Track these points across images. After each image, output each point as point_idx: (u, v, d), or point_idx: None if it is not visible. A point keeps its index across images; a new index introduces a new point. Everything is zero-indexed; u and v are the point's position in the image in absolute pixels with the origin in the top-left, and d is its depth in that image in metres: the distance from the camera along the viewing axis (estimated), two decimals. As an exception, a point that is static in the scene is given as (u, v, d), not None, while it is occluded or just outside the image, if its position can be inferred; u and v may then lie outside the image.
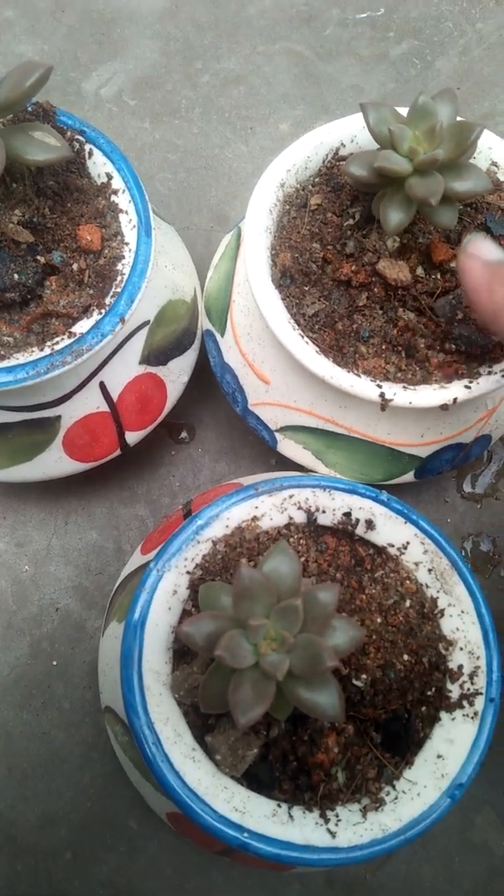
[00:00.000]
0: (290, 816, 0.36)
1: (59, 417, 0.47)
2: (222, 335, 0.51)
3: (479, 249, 0.38)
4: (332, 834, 0.36)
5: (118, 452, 0.52)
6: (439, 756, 0.37)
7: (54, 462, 0.50)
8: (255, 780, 0.38)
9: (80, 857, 0.52)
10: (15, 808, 0.53)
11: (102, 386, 0.47)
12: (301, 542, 0.41)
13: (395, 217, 0.39)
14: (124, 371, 0.48)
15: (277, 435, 0.50)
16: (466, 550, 0.58)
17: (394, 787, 0.37)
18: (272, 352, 0.46)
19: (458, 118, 0.40)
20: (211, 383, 0.60)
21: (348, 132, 0.46)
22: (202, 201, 0.66)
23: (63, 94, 0.69)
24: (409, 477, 0.49)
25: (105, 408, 0.49)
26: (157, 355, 0.50)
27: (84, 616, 0.57)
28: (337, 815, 0.36)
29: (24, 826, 0.52)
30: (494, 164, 0.46)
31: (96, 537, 0.58)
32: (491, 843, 0.52)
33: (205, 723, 0.38)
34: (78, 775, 0.53)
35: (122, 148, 0.66)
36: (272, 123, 0.68)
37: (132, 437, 0.52)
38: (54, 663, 0.56)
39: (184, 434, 0.61)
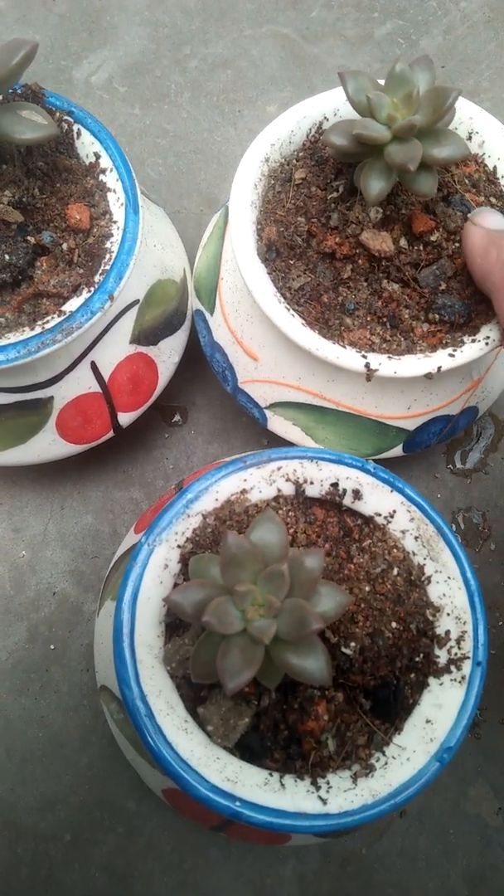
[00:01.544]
0: (282, 785, 0.37)
1: (51, 398, 0.48)
2: (211, 314, 0.51)
3: (485, 219, 0.42)
4: (324, 801, 0.36)
5: (111, 434, 0.53)
6: (428, 721, 0.37)
7: (48, 444, 0.51)
8: (248, 749, 0.38)
9: (79, 840, 0.52)
10: (14, 792, 0.53)
11: (94, 366, 0.47)
12: (290, 514, 0.41)
13: (375, 186, 0.39)
14: (115, 351, 0.48)
15: (267, 412, 0.50)
16: (458, 524, 0.58)
17: (383, 752, 0.37)
18: (260, 327, 0.46)
19: (436, 84, 0.40)
20: (203, 366, 0.60)
21: (331, 106, 0.46)
22: (192, 185, 0.66)
23: (55, 82, 0.70)
24: (397, 451, 0.50)
25: (97, 388, 0.49)
26: (148, 335, 0.50)
27: (81, 599, 0.57)
28: (328, 783, 0.37)
29: (23, 809, 0.52)
30: (474, 132, 0.46)
31: (92, 521, 0.59)
32: (485, 815, 0.52)
33: (197, 695, 0.38)
34: (76, 758, 0.54)
35: (112, 134, 0.67)
36: (260, 106, 0.68)
37: (125, 419, 0.52)
38: (52, 647, 0.56)
39: (177, 417, 0.61)
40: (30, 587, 0.57)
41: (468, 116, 0.46)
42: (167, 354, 0.52)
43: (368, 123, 0.38)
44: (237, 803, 0.36)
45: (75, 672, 0.55)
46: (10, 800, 0.53)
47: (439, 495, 0.59)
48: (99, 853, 0.52)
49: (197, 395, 0.61)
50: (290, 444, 0.51)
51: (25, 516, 0.58)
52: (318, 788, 0.37)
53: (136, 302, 0.48)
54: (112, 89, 0.69)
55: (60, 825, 0.52)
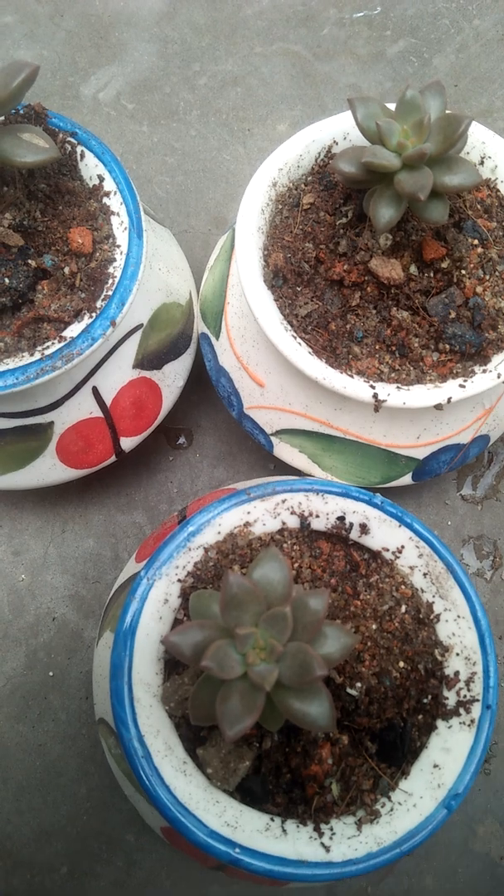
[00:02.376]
0: (284, 830, 0.35)
1: (51, 423, 0.47)
2: (217, 338, 0.50)
3: None
4: (326, 848, 0.35)
5: (113, 459, 0.52)
6: (435, 766, 0.36)
7: (48, 469, 0.50)
8: (249, 793, 0.37)
9: (76, 872, 0.51)
10: (10, 822, 0.52)
11: (95, 391, 0.47)
12: (295, 547, 0.40)
13: (384, 214, 0.38)
14: (118, 376, 0.47)
15: (273, 439, 0.49)
16: (470, 551, 0.57)
17: (389, 798, 0.36)
18: (266, 354, 0.45)
19: (448, 111, 0.39)
20: (209, 388, 0.59)
21: (340, 129, 0.45)
22: (200, 204, 0.65)
23: (62, 98, 0.69)
24: (406, 479, 0.48)
25: (98, 413, 0.48)
26: (152, 359, 0.49)
27: (81, 625, 0.56)
28: (331, 829, 0.35)
29: (19, 840, 0.51)
30: (486, 157, 0.45)
31: (93, 545, 0.58)
32: (494, 854, 0.51)
33: (197, 735, 0.37)
34: (74, 788, 0.52)
35: (119, 152, 0.67)
36: (270, 124, 0.67)
37: (127, 443, 0.51)
38: (51, 674, 0.55)
39: (182, 440, 0.60)
40: (29, 612, 0.56)
41: (480, 141, 0.45)
42: (171, 379, 0.51)
43: (378, 151, 0.37)
44: (237, 850, 0.34)
45: (74, 700, 0.54)
46: (7, 830, 0.52)
47: (450, 522, 0.58)
48: (96, 886, 0.50)
49: (203, 418, 0.60)
50: (296, 470, 0.50)
51: (25, 539, 0.57)
52: (321, 835, 0.35)
53: (140, 326, 0.47)
54: (120, 106, 0.69)
55: (57, 857, 0.51)
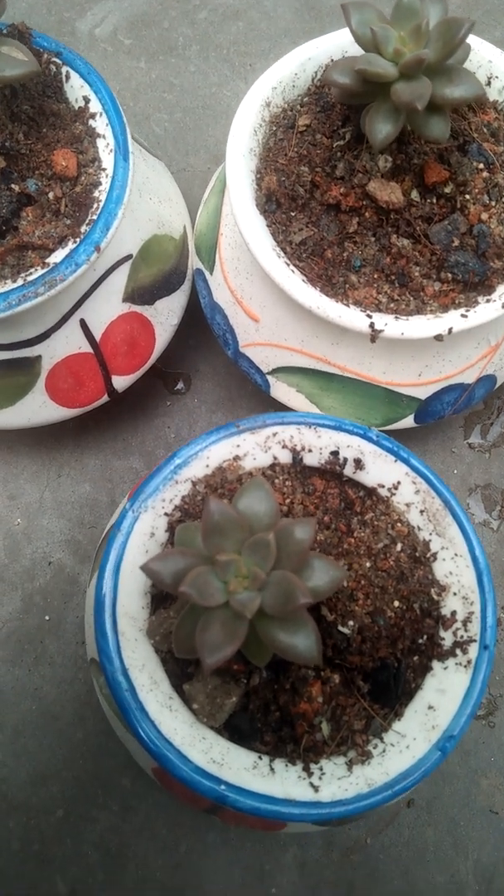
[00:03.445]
0: (272, 769, 0.34)
1: (39, 358, 0.45)
2: (211, 273, 0.48)
3: None
4: (315, 788, 0.34)
5: (106, 398, 0.50)
6: (430, 707, 0.34)
7: (39, 407, 0.48)
8: (236, 730, 0.36)
9: (72, 815, 0.50)
10: (6, 765, 0.51)
11: (83, 324, 0.45)
12: (287, 483, 0.39)
13: (381, 129, 0.36)
14: (106, 309, 0.46)
15: (270, 378, 0.48)
16: (477, 501, 0.55)
17: (382, 739, 0.35)
18: (260, 286, 0.43)
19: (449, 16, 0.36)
20: (207, 333, 0.57)
21: (338, 46, 0.43)
22: (199, 142, 0.63)
23: (57, 34, 0.67)
24: (409, 421, 0.47)
25: (88, 348, 0.46)
26: (143, 294, 0.47)
27: (77, 570, 0.55)
28: (321, 769, 0.34)
29: (15, 783, 0.51)
30: (494, 77, 0.42)
31: (89, 490, 0.57)
32: (498, 808, 0.50)
33: (184, 671, 0.36)
34: (70, 732, 0.52)
35: (116, 89, 0.64)
36: (272, 59, 0.63)
37: (120, 383, 0.50)
38: (47, 618, 0.54)
39: (180, 385, 0.59)
40: (25, 556, 0.55)
41: (487, 59, 0.43)
42: (165, 316, 0.49)
43: (373, 59, 0.35)
44: (222, 786, 0.33)
45: (70, 644, 0.53)
46: (3, 773, 0.51)
47: (456, 471, 0.56)
48: (92, 830, 0.50)
49: (201, 363, 0.59)
50: (293, 411, 0.49)
51: (21, 483, 0.56)
52: (310, 774, 0.34)
53: (129, 257, 0.45)
54: (117, 42, 0.66)
55: (53, 800, 0.51)
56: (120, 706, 0.35)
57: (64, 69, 0.44)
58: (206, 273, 0.49)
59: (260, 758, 0.35)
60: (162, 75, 0.65)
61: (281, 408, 0.50)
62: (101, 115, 0.43)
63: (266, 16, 0.66)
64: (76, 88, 0.43)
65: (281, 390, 0.48)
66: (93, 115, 0.43)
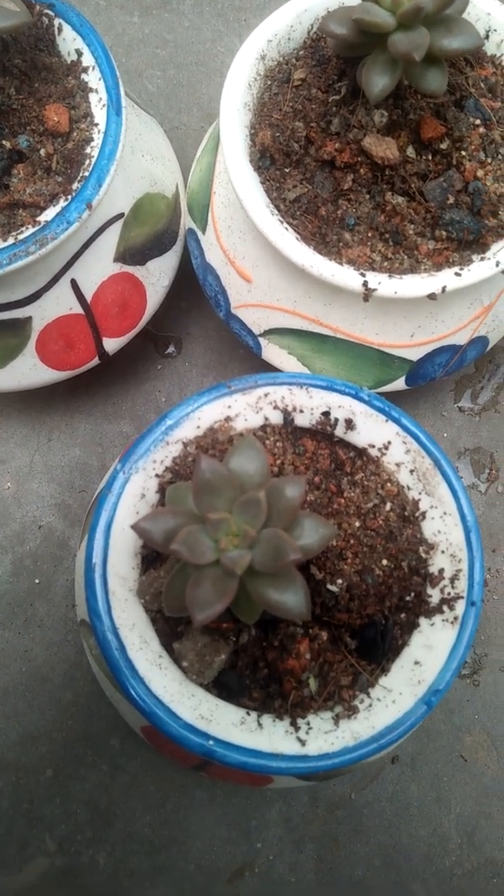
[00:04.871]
0: (259, 724, 0.35)
1: (29, 319, 0.45)
2: (204, 232, 0.47)
3: None
4: (302, 742, 0.34)
5: (96, 361, 0.50)
6: (417, 663, 0.35)
7: (29, 369, 0.48)
8: (225, 687, 0.36)
9: (61, 775, 0.51)
10: (-4, 725, 0.52)
11: (74, 284, 0.45)
12: (278, 444, 0.39)
13: (378, 81, 0.35)
14: (97, 269, 0.45)
15: (261, 340, 0.47)
16: (466, 464, 0.55)
17: (368, 694, 0.35)
18: (252, 245, 0.43)
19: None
20: (199, 295, 0.57)
21: (335, -3, 0.42)
22: (192, 99, 0.62)
23: (47, -11, 0.65)
24: (400, 384, 0.47)
25: (79, 309, 0.46)
26: (134, 254, 0.47)
27: (67, 534, 0.55)
28: (308, 724, 0.35)
29: (4, 743, 0.51)
30: (492, 30, 0.41)
31: (80, 454, 0.56)
32: (481, 764, 0.51)
33: (174, 630, 0.37)
34: (60, 693, 0.52)
35: (109, 44, 0.63)
36: (268, 14, 0.63)
37: (111, 345, 0.50)
38: (37, 581, 0.54)
39: (171, 348, 0.58)
40: (15, 520, 0.55)
41: (486, 12, 0.42)
42: (156, 277, 0.49)
43: (370, 8, 0.34)
44: (210, 741, 0.34)
45: (60, 607, 0.53)
46: (-7, 733, 0.52)
47: (445, 434, 0.56)
48: (81, 789, 0.51)
49: (192, 326, 0.58)
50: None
51: (11, 448, 0.56)
52: (297, 729, 0.35)
53: (121, 216, 0.44)
54: (109, -5, 0.65)
55: (42, 760, 0.51)
56: (110, 665, 0.35)
57: (56, 21, 0.43)
58: (199, 233, 0.48)
59: (248, 713, 0.35)
60: (155, 30, 0.63)
61: (272, 370, 0.50)
62: (93, 68, 0.42)
63: (261, -30, 0.65)
64: (69, 41, 0.42)
65: (273, 352, 0.47)
66: (85, 69, 0.42)
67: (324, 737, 0.34)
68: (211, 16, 0.64)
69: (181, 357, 0.58)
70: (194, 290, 0.56)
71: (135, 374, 0.57)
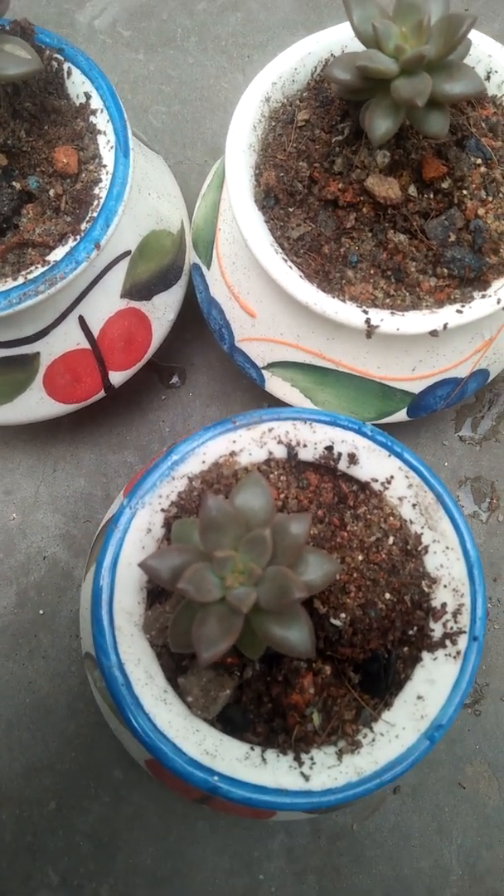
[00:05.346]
0: (264, 759, 0.35)
1: (37, 354, 0.46)
2: (208, 268, 0.48)
3: None
4: (306, 777, 0.34)
5: (102, 394, 0.51)
6: (419, 697, 0.35)
7: (36, 403, 0.49)
8: (229, 722, 0.36)
9: (64, 807, 0.51)
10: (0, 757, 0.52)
11: (82, 320, 0.45)
12: (282, 478, 0.39)
13: (381, 125, 0.36)
14: (105, 305, 0.46)
15: (265, 373, 0.48)
16: (467, 493, 0.56)
17: (371, 729, 0.35)
18: (257, 281, 0.44)
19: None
20: (202, 326, 0.57)
21: (338, 41, 0.43)
22: (196, 134, 0.63)
23: (57, 26, 0.67)
24: (402, 415, 0.47)
25: (86, 344, 0.47)
26: (141, 289, 0.47)
27: (72, 564, 0.55)
28: (312, 758, 0.35)
29: (8, 775, 0.51)
30: (493, 71, 0.42)
31: (84, 484, 0.57)
32: (482, 794, 0.51)
33: (178, 665, 0.37)
34: (63, 725, 0.52)
35: (115, 81, 0.64)
36: (270, 51, 0.65)
37: (117, 378, 0.50)
38: (41, 612, 0.54)
39: (174, 378, 0.59)
40: (20, 551, 0.55)
41: (487, 54, 0.43)
42: (161, 311, 0.50)
43: (374, 55, 0.35)
44: (215, 777, 0.34)
45: (64, 638, 0.54)
46: (-4, 765, 0.52)
47: (447, 463, 0.57)
48: (84, 821, 0.51)
49: (196, 356, 0.59)
50: (287, 406, 0.49)
51: (17, 478, 0.57)
52: (300, 764, 0.35)
53: (128, 253, 0.45)
54: (115, 34, 0.66)
55: (46, 792, 0.51)
56: (116, 700, 0.35)
57: (66, 65, 0.44)
58: (203, 268, 0.49)
59: (252, 748, 0.35)
60: (160, 67, 0.65)
61: (275, 401, 0.50)
62: (101, 111, 0.43)
63: (264, 7, 0.66)
64: (77, 84, 0.43)
65: (276, 385, 0.48)
66: (94, 112, 0.43)
67: (327, 772, 0.34)
68: (214, 53, 0.65)
69: (185, 387, 0.59)
70: (198, 322, 0.57)
71: (139, 405, 0.58)
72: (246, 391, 0.58)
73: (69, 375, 0.48)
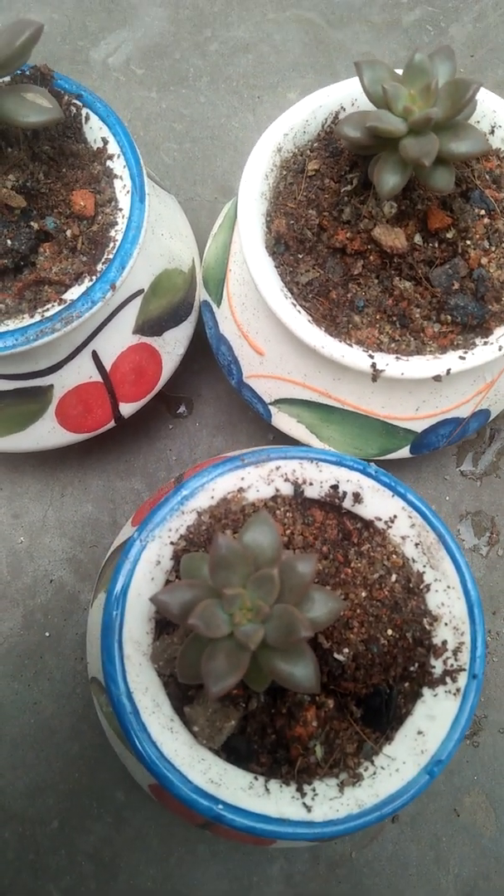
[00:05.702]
0: (267, 789, 0.36)
1: (51, 387, 0.47)
2: (218, 306, 0.50)
3: None
4: (308, 808, 0.35)
5: (112, 424, 0.52)
6: (420, 732, 0.36)
7: (48, 432, 0.50)
8: (234, 752, 0.37)
9: (66, 827, 0.52)
10: (3, 776, 0.53)
11: (95, 355, 0.47)
12: (288, 514, 0.40)
13: (389, 180, 0.38)
14: (118, 340, 0.47)
15: (272, 408, 0.49)
16: (467, 527, 0.57)
17: (372, 762, 0.36)
18: (266, 322, 0.45)
19: (458, 77, 0.38)
20: (210, 358, 0.59)
21: (348, 95, 0.44)
22: (207, 172, 0.65)
23: (71, 62, 0.69)
24: (404, 452, 0.49)
25: (98, 378, 0.48)
26: (152, 325, 0.49)
27: (78, 588, 0.56)
28: (314, 790, 0.36)
29: (11, 794, 0.52)
30: (497, 126, 0.44)
31: (92, 510, 0.58)
32: (479, 825, 0.52)
33: (185, 694, 0.38)
34: (67, 746, 0.53)
35: (127, 118, 0.66)
36: (280, 92, 0.67)
37: (126, 409, 0.52)
38: (47, 634, 0.55)
39: (182, 408, 0.60)
40: (27, 573, 0.56)
41: (491, 109, 0.45)
42: (172, 346, 0.51)
43: (383, 115, 0.37)
44: (220, 806, 0.35)
45: (69, 660, 0.55)
46: (0, 784, 0.53)
47: (448, 498, 0.58)
48: (86, 841, 0.52)
49: (203, 387, 0.60)
50: (294, 440, 0.50)
51: (25, 502, 0.58)
52: (303, 795, 0.36)
53: (141, 292, 0.47)
54: (129, 71, 0.68)
55: (49, 811, 0.52)
56: (123, 728, 0.36)
57: (84, 111, 0.45)
58: (213, 305, 0.50)
59: (256, 778, 0.36)
60: (172, 105, 0.67)
61: (281, 435, 0.52)
62: (118, 156, 0.44)
63: (275, 49, 0.68)
64: (95, 130, 0.45)
65: (282, 420, 0.50)
66: (111, 157, 0.45)
67: (329, 803, 0.35)
68: (226, 93, 0.67)
69: (192, 417, 0.60)
70: (206, 354, 0.59)
71: (147, 434, 0.59)
72: (252, 423, 0.59)
73: (81, 407, 0.49)
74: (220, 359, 0.51)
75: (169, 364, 0.52)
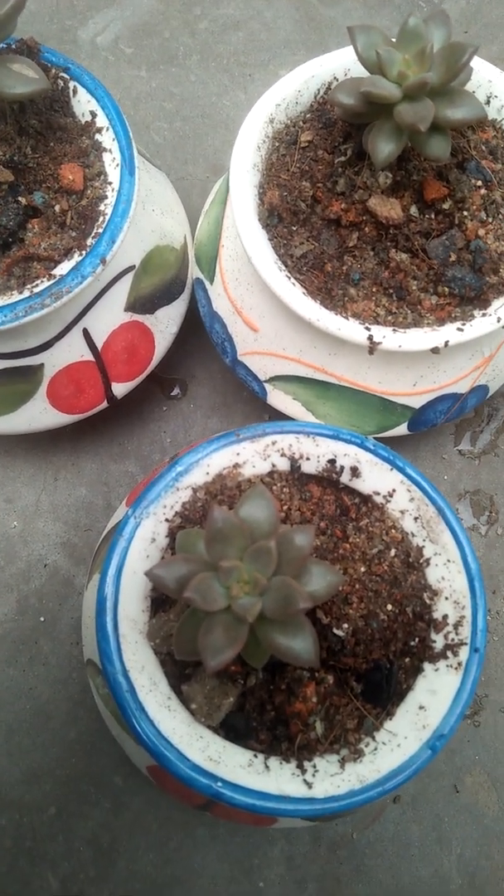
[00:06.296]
0: (266, 767, 0.35)
1: (42, 366, 0.46)
2: (211, 283, 0.49)
3: None
4: (309, 785, 0.35)
5: (105, 405, 0.51)
6: (421, 707, 0.36)
7: (39, 413, 0.49)
8: (232, 729, 0.37)
9: (64, 813, 0.51)
10: None
11: (86, 333, 0.46)
12: (284, 490, 0.40)
13: (384, 148, 0.37)
14: (109, 318, 0.46)
15: (267, 386, 0.49)
16: (466, 506, 0.57)
17: (374, 738, 0.36)
18: (260, 297, 0.44)
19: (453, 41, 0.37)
20: (204, 338, 0.58)
21: (341, 65, 0.44)
22: (198, 151, 0.64)
23: (59, 42, 0.68)
24: (402, 429, 0.48)
25: (89, 356, 0.47)
26: (144, 303, 0.48)
27: (72, 572, 0.56)
28: (314, 766, 0.35)
29: (8, 781, 0.52)
30: (493, 96, 0.43)
31: (86, 493, 0.57)
32: (481, 805, 0.51)
33: (182, 672, 0.37)
34: (64, 731, 0.53)
35: (117, 97, 0.65)
36: (272, 70, 0.66)
37: (119, 389, 0.51)
38: (42, 619, 0.55)
39: (176, 390, 0.60)
40: (21, 558, 0.56)
41: (487, 79, 0.44)
42: (164, 324, 0.50)
43: (378, 81, 0.36)
44: (219, 783, 0.35)
45: (65, 645, 0.54)
46: (-4, 771, 0.52)
47: (446, 477, 0.58)
48: (84, 827, 0.51)
49: (197, 368, 0.60)
50: (290, 419, 0.50)
51: (18, 487, 0.57)
52: (303, 772, 0.35)
53: (132, 268, 0.46)
54: (118, 51, 0.67)
55: (46, 798, 0.52)
56: (120, 707, 0.36)
57: (71, 84, 0.44)
58: (206, 283, 0.50)
59: (255, 756, 0.36)
60: (162, 84, 0.66)
61: (277, 414, 0.51)
62: (107, 129, 0.44)
63: (266, 27, 0.67)
64: (83, 103, 0.44)
65: (278, 398, 0.49)
66: (99, 130, 0.44)
67: (330, 779, 0.35)
68: (216, 71, 0.66)
69: (186, 399, 0.59)
70: (200, 334, 0.58)
71: (140, 416, 0.59)
72: (247, 403, 0.59)
73: (72, 387, 0.48)
74: (214, 337, 0.50)
75: (162, 343, 0.51)
